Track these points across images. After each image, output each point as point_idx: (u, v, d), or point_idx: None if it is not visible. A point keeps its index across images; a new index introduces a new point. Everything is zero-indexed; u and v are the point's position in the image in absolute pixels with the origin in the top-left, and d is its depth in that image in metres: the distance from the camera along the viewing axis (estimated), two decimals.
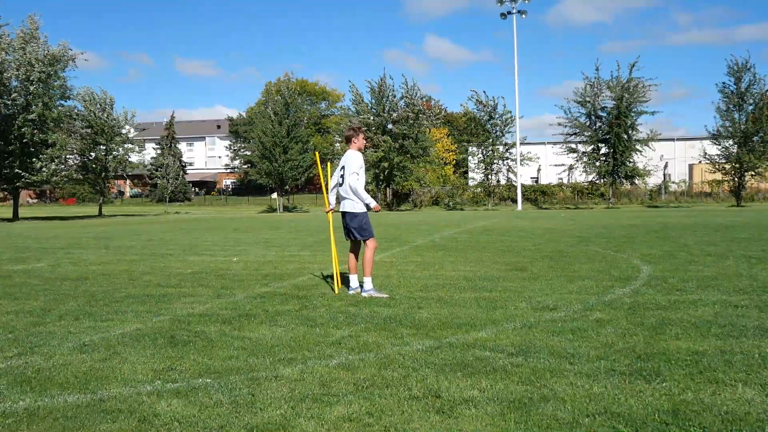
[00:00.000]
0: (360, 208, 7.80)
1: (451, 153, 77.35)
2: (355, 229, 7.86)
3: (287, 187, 60.57)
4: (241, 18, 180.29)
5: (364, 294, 7.69)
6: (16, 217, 42.59)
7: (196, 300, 7.60)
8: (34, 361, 4.90)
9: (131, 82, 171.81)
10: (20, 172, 40.92)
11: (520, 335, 5.46)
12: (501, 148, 55.84)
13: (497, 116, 55.61)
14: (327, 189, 8.52)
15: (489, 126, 56.02)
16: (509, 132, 55.73)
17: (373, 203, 7.78)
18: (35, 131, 40.94)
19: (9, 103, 39.99)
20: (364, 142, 8.06)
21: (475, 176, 60.59)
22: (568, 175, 55.81)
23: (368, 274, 7.80)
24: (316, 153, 9.12)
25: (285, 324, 6.12)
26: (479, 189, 58.41)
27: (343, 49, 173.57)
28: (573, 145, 53.01)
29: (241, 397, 3.98)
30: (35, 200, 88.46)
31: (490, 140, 55.58)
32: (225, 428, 3.50)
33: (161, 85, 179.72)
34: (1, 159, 42.45)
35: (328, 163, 8.72)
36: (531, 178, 74.35)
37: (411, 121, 56.18)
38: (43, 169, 41.57)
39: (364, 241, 7.89)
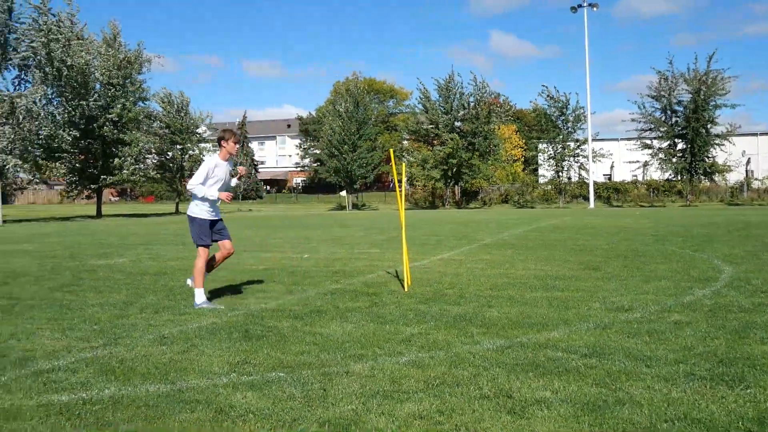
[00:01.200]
0: (194, 213, 7.31)
1: (520, 150, 76.33)
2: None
3: (356, 185, 61.01)
4: (306, 18, 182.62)
5: (196, 307, 6.96)
6: (99, 214, 44.44)
7: (269, 296, 7.76)
8: (117, 351, 5.11)
9: (202, 83, 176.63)
10: (100, 174, 42.83)
11: (594, 336, 5.34)
12: (572, 144, 54.70)
13: (569, 112, 54.50)
14: (399, 186, 8.54)
15: (560, 122, 54.96)
16: (581, 128, 54.59)
17: (209, 194, 7.16)
18: (115, 131, 42.70)
19: (92, 104, 41.81)
20: (235, 147, 7.42)
21: (546, 173, 59.55)
22: (643, 172, 54.21)
23: (198, 285, 7.13)
24: (390, 150, 9.16)
25: (355, 321, 6.18)
26: (549, 186, 57.37)
27: (408, 47, 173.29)
28: (647, 141, 51.45)
29: (313, 392, 4.04)
30: (117, 198, 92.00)
31: (561, 137, 54.52)
32: (298, 421, 3.56)
33: (230, 86, 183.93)
34: (86, 159, 44.47)
35: (403, 164, 8.75)
36: (604, 175, 72.50)
37: (480, 118, 55.69)
38: (123, 168, 43.32)
39: (197, 248, 7.34)
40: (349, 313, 6.54)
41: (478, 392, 3.99)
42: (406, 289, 8.02)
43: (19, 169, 39.59)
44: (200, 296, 7.09)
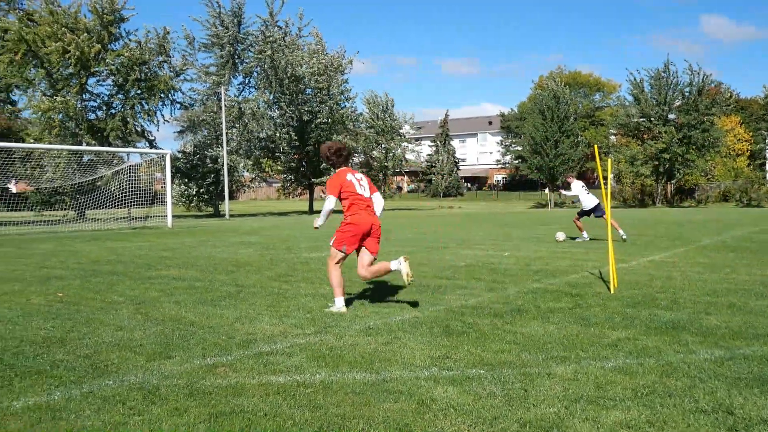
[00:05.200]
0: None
1: (744, 143, 69.52)
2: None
3: (558, 182, 59.39)
4: (501, 14, 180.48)
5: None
6: (311, 210, 47.57)
7: (469, 292, 7.80)
8: (327, 339, 5.43)
9: (399, 84, 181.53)
10: (311, 174, 45.93)
11: None
12: None
13: None
14: (605, 184, 8.18)
15: None
16: None
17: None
18: (324, 133, 45.48)
19: (304, 108, 44.88)
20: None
21: None
22: None
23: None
24: (595, 146, 8.81)
25: (558, 321, 6.02)
26: None
27: (610, 37, 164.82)
28: None
29: (513, 391, 4.00)
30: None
31: None
32: (498, 420, 3.55)
33: (428, 85, 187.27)
34: (299, 159, 47.85)
35: (609, 159, 8.35)
36: None
37: (700, 109, 51.56)
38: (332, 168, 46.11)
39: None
40: (551, 314, 6.39)
41: (694, 405, 3.70)
42: (612, 291, 7.66)
43: (245, 168, 43.67)
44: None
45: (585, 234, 15.74)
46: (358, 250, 6.84)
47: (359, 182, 6.86)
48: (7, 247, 15.40)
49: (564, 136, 57.94)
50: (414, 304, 7.00)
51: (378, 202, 6.97)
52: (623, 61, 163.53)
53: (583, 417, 3.55)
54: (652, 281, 8.51)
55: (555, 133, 57.38)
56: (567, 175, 16.95)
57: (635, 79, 56.03)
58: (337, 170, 6.95)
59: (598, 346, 5.09)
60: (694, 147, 52.88)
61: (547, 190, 48.25)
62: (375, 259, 6.87)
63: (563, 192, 17.09)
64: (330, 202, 6.72)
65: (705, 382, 4.12)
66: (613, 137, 66.33)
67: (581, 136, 68.05)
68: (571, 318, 6.18)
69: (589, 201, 15.52)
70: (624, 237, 14.90)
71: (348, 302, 7.09)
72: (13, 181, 27.91)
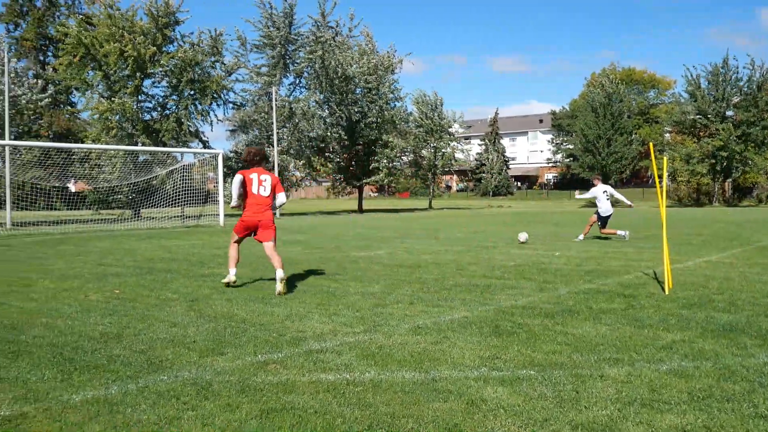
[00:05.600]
0: None
1: None
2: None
3: (611, 180, 58.33)
4: (550, 11, 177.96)
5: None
6: (360, 209, 47.81)
7: (519, 292, 7.73)
8: (376, 338, 5.45)
9: (449, 82, 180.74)
10: (361, 174, 46.22)
11: None
12: None
13: None
14: (660, 182, 8.01)
15: None
16: None
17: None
18: (374, 133, 45.65)
19: (354, 108, 45.13)
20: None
21: None
22: None
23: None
24: (650, 144, 8.61)
25: (610, 323, 5.91)
26: None
27: (664, 32, 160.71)
28: None
29: (565, 393, 3.95)
30: (375, 194, 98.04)
31: None
32: (549, 422, 3.50)
33: (476, 84, 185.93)
34: (349, 158, 48.16)
35: (664, 158, 8.18)
36: None
37: (760, 105, 49.92)
38: (380, 170, 46.27)
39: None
40: (604, 315, 6.28)
41: (753, 410, 3.59)
42: (666, 292, 7.48)
43: (296, 168, 44.19)
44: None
45: (582, 236, 15.66)
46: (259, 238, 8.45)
47: (261, 183, 8.25)
48: (66, 245, 15.91)
49: (617, 134, 56.87)
50: (464, 304, 6.97)
51: (279, 199, 8.43)
52: (678, 57, 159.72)
53: (636, 420, 3.48)
54: (709, 282, 8.29)
55: (608, 131, 56.36)
56: (593, 176, 16.85)
57: (692, 75, 54.63)
58: (251, 167, 8.44)
59: (652, 348, 4.99)
60: (753, 144, 51.25)
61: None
62: (274, 243, 8.34)
63: (579, 194, 17.28)
64: (236, 189, 8.24)
65: (765, 386, 4.00)
66: (668, 135, 64.71)
67: (635, 134, 66.64)
68: (624, 319, 6.06)
69: (606, 208, 15.52)
70: (624, 236, 15.21)
71: (397, 302, 7.11)
72: (73, 180, 28.83)
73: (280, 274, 7.84)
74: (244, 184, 8.22)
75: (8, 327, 6.06)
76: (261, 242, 8.38)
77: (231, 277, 8.39)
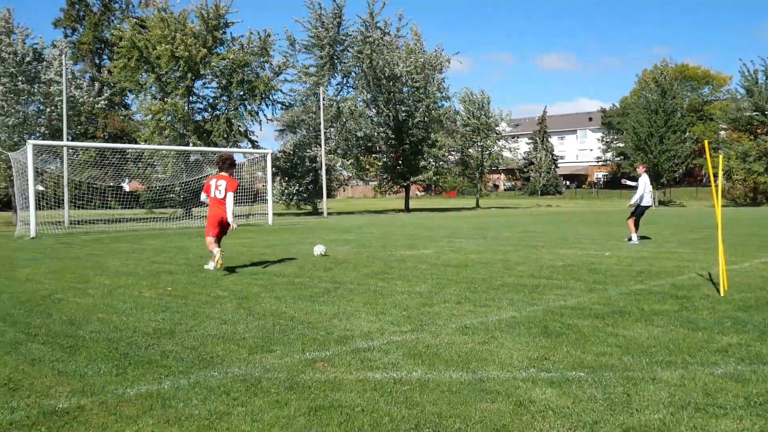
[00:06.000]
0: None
1: None
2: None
3: (663, 179, 57.01)
4: (599, 6, 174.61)
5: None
6: (407, 208, 47.81)
7: (568, 293, 7.62)
8: (423, 337, 5.44)
9: (496, 80, 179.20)
10: (408, 172, 46.25)
11: None
12: None
13: None
14: (715, 181, 7.79)
15: None
16: None
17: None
18: (421, 132, 45.58)
19: (401, 107, 45.15)
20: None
21: None
22: None
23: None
24: (705, 142, 8.38)
25: (662, 324, 5.79)
26: None
27: (718, 27, 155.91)
28: None
29: (615, 396, 3.88)
30: (422, 193, 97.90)
31: None
32: (599, 425, 3.45)
33: (524, 81, 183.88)
34: (396, 157, 48.22)
35: (720, 156, 7.98)
36: None
37: None
38: (428, 168, 46.22)
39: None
40: (656, 316, 6.14)
41: None
42: (721, 294, 7.28)
43: (343, 167, 44.45)
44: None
45: (634, 236, 14.57)
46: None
47: (217, 187, 10.05)
48: (121, 243, 16.33)
49: (670, 132, 55.54)
50: (511, 304, 6.91)
51: (228, 201, 9.97)
52: (734, 52, 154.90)
53: (690, 425, 3.41)
54: (766, 284, 8.04)
55: (660, 129, 55.07)
56: (638, 164, 15.90)
57: (748, 71, 52.99)
58: (219, 172, 10.33)
59: (706, 351, 4.86)
60: None
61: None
62: (222, 237, 10.27)
63: (628, 182, 16.03)
64: (203, 195, 10.36)
65: None
66: (723, 132, 62.98)
67: (689, 131, 65.01)
68: (677, 321, 5.92)
69: (648, 199, 14.85)
70: (634, 240, 14.36)
71: (444, 301, 7.10)
72: (127, 180, 29.60)
73: (218, 254, 9.77)
74: (207, 187, 10.21)
75: (66, 322, 6.26)
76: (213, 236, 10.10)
77: (219, 260, 9.76)
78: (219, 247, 9.94)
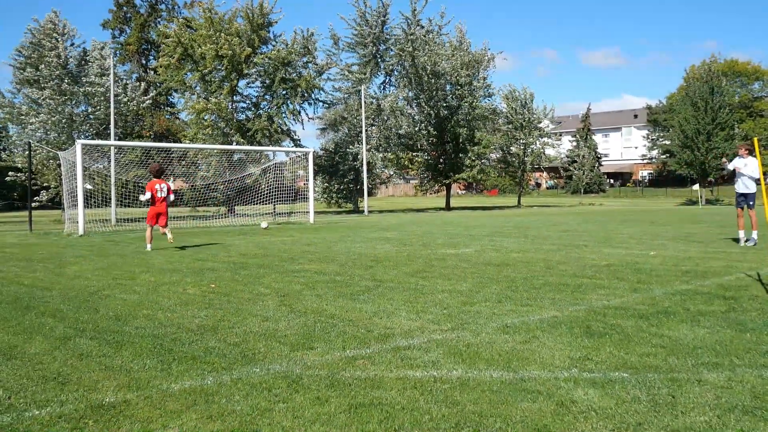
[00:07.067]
0: None
1: None
2: None
3: (710, 178, 55.70)
4: (644, 2, 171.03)
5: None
6: (448, 206, 47.66)
7: (612, 292, 7.51)
8: (464, 336, 5.43)
9: (539, 76, 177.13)
10: (450, 171, 46.01)
11: None
12: None
13: None
14: (766, 180, 7.59)
15: None
16: None
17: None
18: (464, 130, 45.36)
19: (443, 105, 44.99)
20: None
21: None
22: None
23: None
24: (755, 139, 8.17)
25: (709, 325, 5.66)
26: None
27: (757, 20, 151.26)
28: None
29: (660, 397, 3.82)
30: (463, 191, 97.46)
31: None
32: (642, 426, 3.40)
33: (567, 78, 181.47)
34: (437, 156, 48.11)
35: None
36: None
37: None
38: (471, 166, 45.96)
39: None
40: (702, 317, 6.01)
41: None
42: None
43: (384, 165, 44.51)
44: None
45: (742, 233, 13.29)
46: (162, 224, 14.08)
47: (161, 189, 13.89)
48: (165, 241, 16.63)
49: (718, 129, 54.19)
50: (553, 303, 6.84)
51: (169, 198, 14.14)
52: None
53: (737, 428, 3.33)
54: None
55: (708, 126, 53.79)
56: (741, 145, 13.77)
57: None
58: (153, 179, 14.09)
59: (755, 353, 4.74)
60: None
61: (696, 186, 45.24)
62: (167, 225, 14.05)
63: (727, 165, 13.87)
64: (147, 194, 13.83)
65: None
66: None
67: (738, 128, 63.34)
68: (724, 322, 5.79)
69: (739, 184, 13.36)
70: (749, 242, 13.05)
71: (485, 300, 7.07)
72: (171, 178, 30.14)
73: (169, 234, 13.99)
74: (154, 190, 13.81)
75: (113, 318, 6.42)
76: (161, 225, 13.91)
77: (148, 248, 13.78)
78: (167, 228, 14.00)
